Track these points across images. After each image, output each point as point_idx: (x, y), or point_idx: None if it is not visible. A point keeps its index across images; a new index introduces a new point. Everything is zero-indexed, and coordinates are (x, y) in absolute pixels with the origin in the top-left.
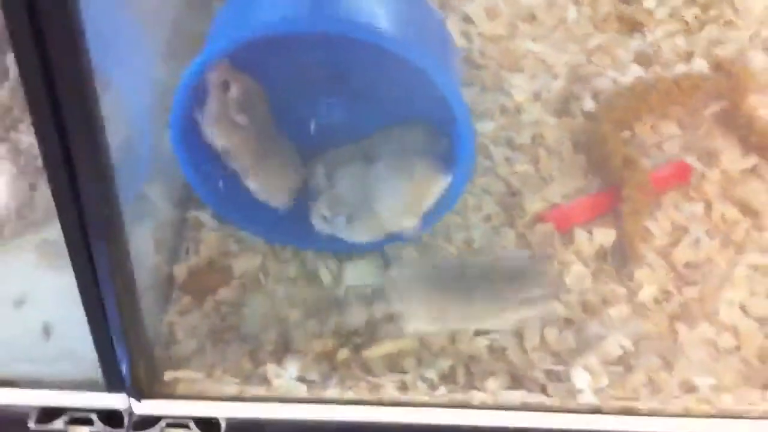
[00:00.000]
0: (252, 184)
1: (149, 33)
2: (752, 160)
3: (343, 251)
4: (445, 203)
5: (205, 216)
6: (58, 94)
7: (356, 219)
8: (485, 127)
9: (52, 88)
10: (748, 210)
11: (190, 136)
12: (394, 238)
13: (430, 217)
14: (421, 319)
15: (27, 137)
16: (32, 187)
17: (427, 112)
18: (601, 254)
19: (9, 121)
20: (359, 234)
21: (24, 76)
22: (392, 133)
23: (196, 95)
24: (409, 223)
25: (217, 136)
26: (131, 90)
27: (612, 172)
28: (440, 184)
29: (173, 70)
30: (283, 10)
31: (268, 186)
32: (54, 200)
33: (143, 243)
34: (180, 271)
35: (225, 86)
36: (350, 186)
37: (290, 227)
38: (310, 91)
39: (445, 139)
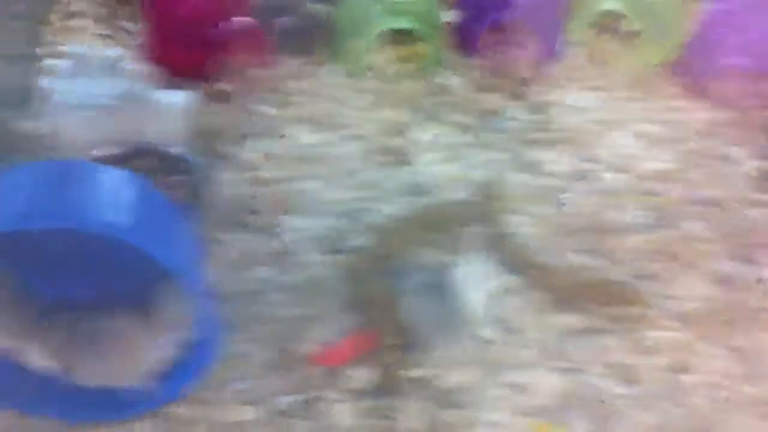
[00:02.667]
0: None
1: None
2: (511, 278)
3: (109, 419)
4: (196, 371)
5: None
6: None
7: (78, 368)
8: (263, 273)
9: None
10: (507, 328)
11: None
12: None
13: (186, 379)
14: None
15: None
16: None
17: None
18: (368, 389)
19: None
20: (84, 379)
21: None
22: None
23: None
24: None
25: None
26: None
27: (374, 309)
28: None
29: None
30: (8, 209)
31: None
32: None
33: None
34: None
35: None
36: (66, 334)
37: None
38: (57, 266)
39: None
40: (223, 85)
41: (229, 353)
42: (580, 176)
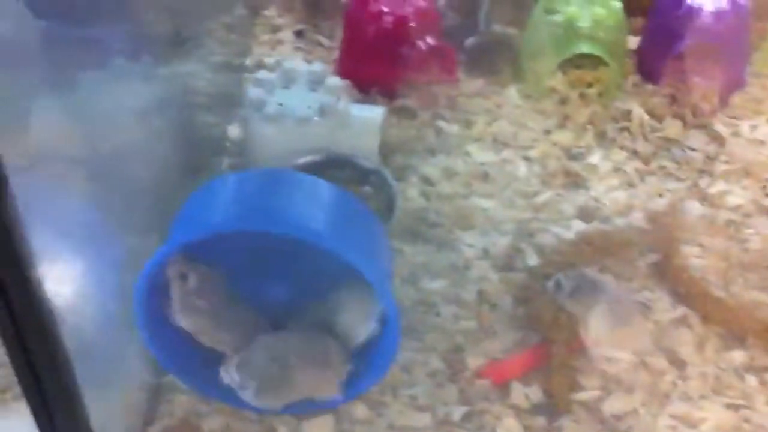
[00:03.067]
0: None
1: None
2: (681, 310)
3: (298, 413)
4: (376, 372)
5: (177, 380)
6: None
7: (267, 387)
8: (437, 285)
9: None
10: (675, 359)
11: (155, 319)
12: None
13: (367, 379)
14: None
15: None
16: None
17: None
18: (535, 407)
19: None
20: (267, 400)
21: None
22: (329, 299)
23: (158, 284)
24: (327, 395)
25: (180, 320)
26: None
27: (544, 328)
28: (347, 368)
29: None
30: (230, 211)
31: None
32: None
33: (116, 408)
34: (154, 431)
35: (183, 277)
36: (263, 354)
37: None
38: (261, 269)
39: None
40: (409, 101)
41: (402, 359)
42: (760, 211)
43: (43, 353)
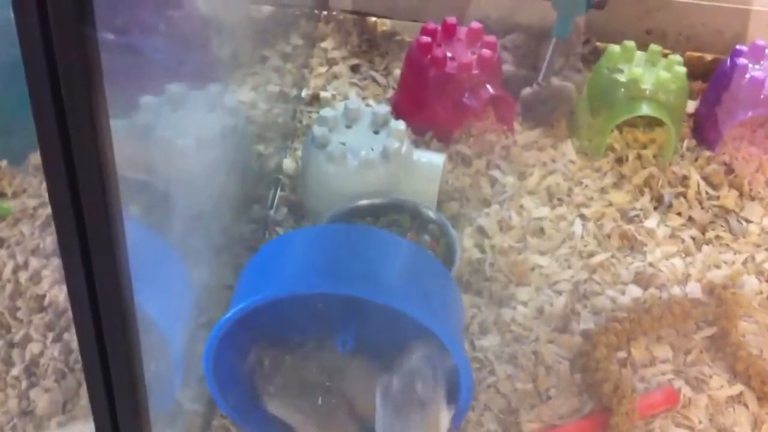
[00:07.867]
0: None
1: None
2: (738, 387)
3: None
4: None
5: (227, 422)
6: (103, 325)
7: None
8: (491, 342)
9: (98, 321)
10: None
11: (220, 369)
12: None
13: None
14: None
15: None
16: (79, 384)
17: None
18: None
19: (64, 322)
20: None
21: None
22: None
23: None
24: None
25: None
26: (168, 320)
27: (603, 397)
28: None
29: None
30: (296, 273)
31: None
32: (91, 406)
33: None
34: None
35: (260, 361)
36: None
37: None
38: (328, 326)
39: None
40: (464, 149)
41: None
42: None
43: (124, 376)
